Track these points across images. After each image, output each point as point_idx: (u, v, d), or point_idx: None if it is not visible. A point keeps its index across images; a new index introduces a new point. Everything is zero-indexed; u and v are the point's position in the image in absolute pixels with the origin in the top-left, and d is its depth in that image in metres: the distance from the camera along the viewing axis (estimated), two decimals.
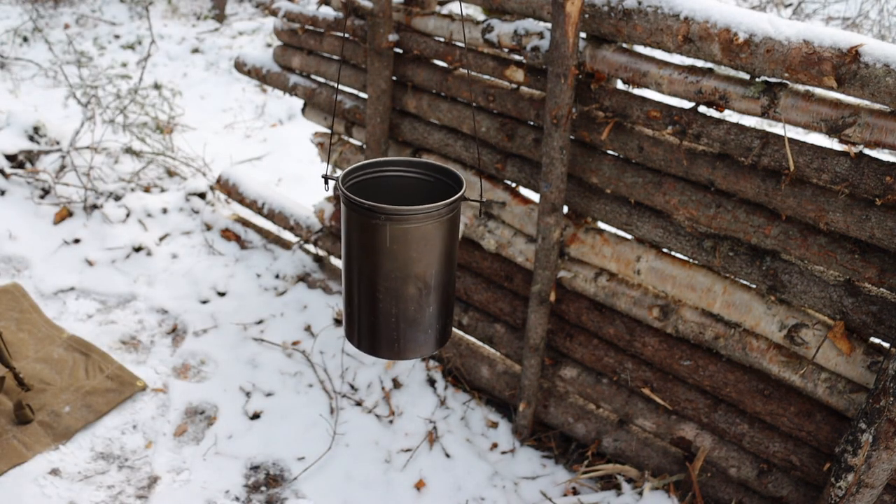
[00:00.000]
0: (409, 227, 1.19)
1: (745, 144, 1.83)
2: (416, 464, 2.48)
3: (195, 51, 6.95)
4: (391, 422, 2.65)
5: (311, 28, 3.01)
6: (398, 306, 1.29)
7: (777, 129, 3.28)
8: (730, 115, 3.88)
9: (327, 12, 2.87)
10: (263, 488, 2.40)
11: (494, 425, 2.66)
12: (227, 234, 3.67)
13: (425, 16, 2.53)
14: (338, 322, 3.07)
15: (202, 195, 3.91)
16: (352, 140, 3.09)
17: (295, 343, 2.99)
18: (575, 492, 2.41)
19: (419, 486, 2.41)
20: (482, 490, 2.41)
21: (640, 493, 2.30)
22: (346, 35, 2.81)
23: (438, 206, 1.22)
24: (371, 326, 1.33)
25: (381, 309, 1.28)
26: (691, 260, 2.09)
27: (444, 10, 2.68)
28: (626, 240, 2.23)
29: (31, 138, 4.04)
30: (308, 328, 3.08)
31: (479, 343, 2.81)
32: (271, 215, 3.56)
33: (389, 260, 1.22)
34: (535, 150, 2.30)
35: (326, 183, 1.37)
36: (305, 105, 3.27)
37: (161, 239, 3.65)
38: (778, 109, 1.72)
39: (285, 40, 3.19)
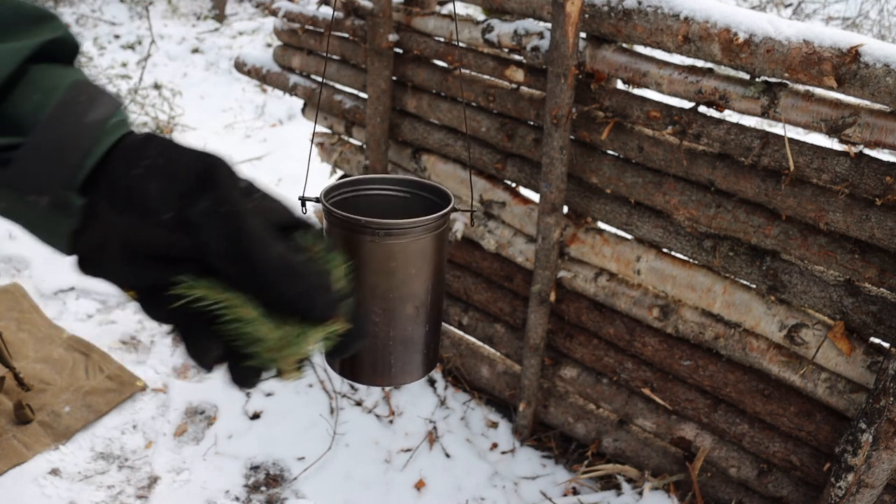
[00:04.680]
0: (396, 243, 1.15)
1: (745, 144, 1.83)
2: (416, 464, 2.48)
3: (195, 51, 6.96)
4: (391, 422, 2.65)
5: (311, 28, 3.01)
6: (389, 328, 1.24)
7: (777, 129, 3.28)
8: (730, 115, 3.88)
9: (327, 12, 2.87)
10: (263, 488, 2.40)
11: (494, 425, 2.66)
12: None
13: (425, 16, 2.53)
14: None
15: None
16: (352, 140, 3.09)
17: None
18: (575, 492, 2.41)
19: (419, 486, 2.41)
20: (482, 490, 2.41)
21: (640, 493, 2.30)
22: (347, 35, 2.81)
23: (428, 219, 1.18)
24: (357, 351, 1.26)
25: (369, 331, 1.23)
26: (691, 260, 2.09)
27: (444, 10, 2.68)
28: (626, 240, 2.23)
29: None
30: None
31: (479, 343, 2.81)
32: None
33: (376, 278, 1.18)
34: (535, 150, 2.30)
35: (304, 205, 1.32)
36: (305, 105, 3.27)
37: None
38: (778, 109, 1.72)
39: (285, 40, 3.19)
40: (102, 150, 0.52)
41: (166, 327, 0.68)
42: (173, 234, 0.50)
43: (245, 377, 0.55)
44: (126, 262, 0.53)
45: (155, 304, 0.55)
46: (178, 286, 0.52)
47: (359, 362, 1.29)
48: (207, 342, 0.53)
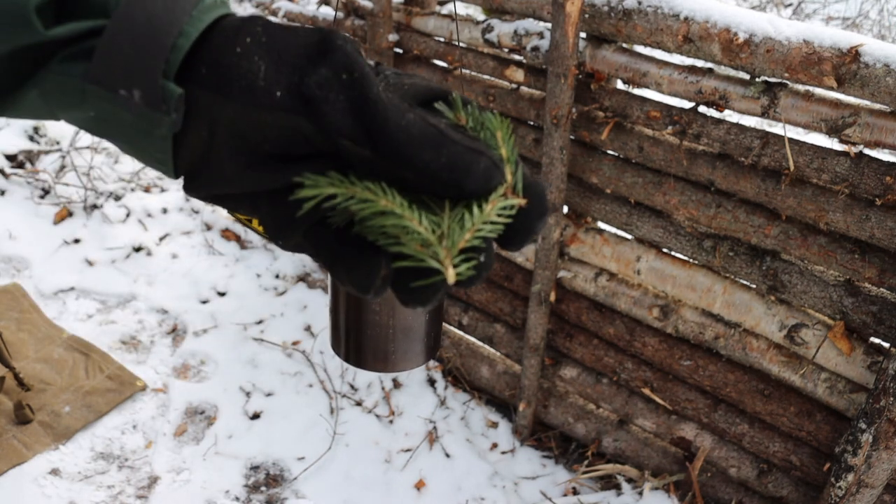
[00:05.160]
0: None
1: (745, 144, 1.83)
2: (416, 464, 2.48)
3: None
4: (391, 422, 2.65)
5: None
6: (389, 317, 1.25)
7: (777, 129, 3.29)
8: (730, 115, 3.88)
9: (327, 12, 2.87)
10: (263, 488, 2.40)
11: (494, 425, 2.66)
12: (227, 234, 3.67)
13: (425, 16, 2.53)
14: None
15: None
16: None
17: (295, 343, 2.99)
18: (575, 492, 2.41)
19: (419, 486, 2.41)
20: (482, 490, 2.41)
21: (640, 493, 2.30)
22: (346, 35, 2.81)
23: None
24: (360, 337, 1.28)
25: (370, 319, 1.24)
26: (691, 260, 2.09)
27: (444, 10, 2.68)
28: (626, 240, 2.23)
29: (31, 138, 4.04)
30: (308, 328, 3.08)
31: (479, 343, 2.81)
32: None
33: None
34: (535, 150, 2.30)
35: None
36: None
37: (161, 239, 3.65)
38: (778, 109, 1.72)
39: None
40: (199, 30, 0.44)
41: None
42: (289, 115, 0.42)
43: (409, 287, 0.43)
44: (238, 165, 0.44)
45: (284, 224, 0.46)
46: (300, 189, 0.43)
47: (361, 349, 1.31)
48: (371, 256, 0.43)
